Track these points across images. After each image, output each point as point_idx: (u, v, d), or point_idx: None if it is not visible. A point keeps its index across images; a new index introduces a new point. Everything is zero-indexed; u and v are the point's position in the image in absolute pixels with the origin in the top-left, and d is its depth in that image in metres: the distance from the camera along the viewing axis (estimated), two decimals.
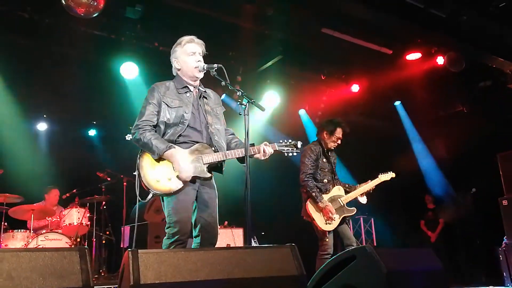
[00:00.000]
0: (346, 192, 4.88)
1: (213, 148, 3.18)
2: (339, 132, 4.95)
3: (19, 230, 5.96)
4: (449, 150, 8.69)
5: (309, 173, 4.77)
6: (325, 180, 4.85)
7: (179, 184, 3.04)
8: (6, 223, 6.03)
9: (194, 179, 3.10)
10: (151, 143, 3.05)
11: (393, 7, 6.01)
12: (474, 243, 8.12)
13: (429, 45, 7.17)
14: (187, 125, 3.18)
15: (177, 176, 3.05)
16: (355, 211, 4.80)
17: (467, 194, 7.99)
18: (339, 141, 4.99)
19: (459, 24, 6.29)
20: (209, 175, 3.14)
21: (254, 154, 3.22)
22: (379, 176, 4.99)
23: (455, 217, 8.44)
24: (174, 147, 3.08)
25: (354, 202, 4.91)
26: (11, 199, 6.11)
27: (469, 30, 6.49)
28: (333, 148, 5.00)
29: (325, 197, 4.74)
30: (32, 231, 5.99)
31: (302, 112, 9.21)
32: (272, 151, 3.28)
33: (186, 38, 3.35)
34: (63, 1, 5.24)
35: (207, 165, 3.12)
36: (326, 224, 4.65)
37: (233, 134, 3.50)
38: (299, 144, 3.36)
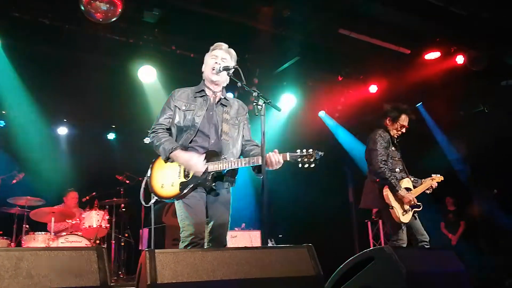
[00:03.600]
0: (413, 186, 4.68)
1: (222, 157, 3.13)
2: (403, 120, 4.66)
3: (40, 232, 6.05)
4: (470, 150, 8.52)
5: (383, 159, 4.48)
6: (397, 169, 4.59)
7: (180, 191, 3.06)
8: (27, 226, 6.15)
9: (196, 187, 3.08)
10: (161, 144, 3.13)
11: (411, 6, 5.94)
12: (497, 245, 7.93)
13: (449, 44, 7.06)
14: (198, 129, 3.19)
15: (187, 176, 3.08)
16: (421, 207, 4.56)
17: (489, 195, 7.82)
18: (403, 129, 4.70)
19: (479, 22, 6.18)
20: (211, 184, 3.08)
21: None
22: (432, 175, 4.78)
23: (477, 219, 8.27)
24: (180, 149, 3.11)
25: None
26: (32, 202, 6.25)
27: (490, 28, 6.37)
28: (396, 136, 4.72)
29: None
30: (52, 233, 6.08)
31: (322, 113, 9.15)
32: (281, 161, 3.01)
33: (216, 44, 3.41)
34: (82, 7, 5.34)
35: (212, 174, 3.08)
36: (403, 215, 4.40)
37: (256, 145, 3.35)
38: (319, 154, 2.96)
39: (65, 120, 8.18)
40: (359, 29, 6.53)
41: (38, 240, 5.97)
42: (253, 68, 7.38)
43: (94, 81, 6.90)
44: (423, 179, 4.79)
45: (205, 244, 3.09)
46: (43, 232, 6.06)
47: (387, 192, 4.43)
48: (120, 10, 5.47)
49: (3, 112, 7.47)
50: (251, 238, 6.78)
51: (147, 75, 6.91)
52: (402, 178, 4.59)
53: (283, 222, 8.29)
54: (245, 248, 2.44)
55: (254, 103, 3.03)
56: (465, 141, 8.46)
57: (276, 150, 3.05)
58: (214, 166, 3.08)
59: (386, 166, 4.47)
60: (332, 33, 6.56)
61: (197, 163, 3.04)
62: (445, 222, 8.56)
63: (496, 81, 7.85)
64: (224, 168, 3.09)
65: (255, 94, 3.06)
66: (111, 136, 8.68)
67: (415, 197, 4.53)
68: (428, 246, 4.41)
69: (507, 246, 7.66)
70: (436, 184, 4.75)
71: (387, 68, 7.75)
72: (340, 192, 9.83)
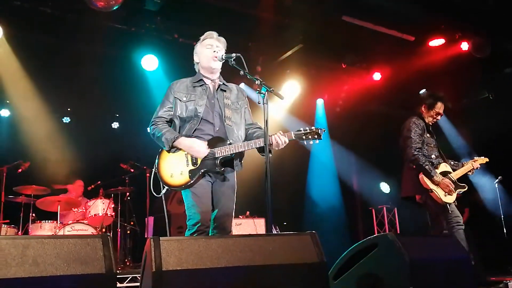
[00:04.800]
0: (452, 170, 4.69)
1: (228, 142, 3.16)
2: (439, 107, 4.69)
3: (46, 221, 6.11)
4: (475, 137, 8.49)
5: (418, 147, 4.52)
6: (433, 156, 4.62)
7: (190, 178, 3.09)
8: (34, 214, 6.21)
9: (205, 173, 3.13)
10: (162, 135, 3.17)
11: None
12: (502, 232, 7.94)
13: (453, 31, 6.99)
14: (201, 118, 3.22)
15: (195, 164, 3.09)
16: (466, 187, 4.61)
17: (493, 182, 7.79)
18: (438, 117, 4.75)
19: (484, 8, 6.11)
20: (220, 169, 3.12)
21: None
22: (475, 158, 4.82)
23: (481, 206, 8.26)
24: (182, 136, 3.15)
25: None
26: (38, 191, 6.29)
27: (495, 15, 6.30)
28: (431, 124, 4.77)
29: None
30: (59, 222, 6.14)
31: (320, 101, 9.13)
32: (287, 141, 3.13)
33: (206, 33, 3.42)
34: None
35: (220, 159, 3.12)
36: (446, 196, 4.43)
37: (259, 128, 3.41)
38: (322, 131, 3.14)
39: (69, 109, 8.19)
40: (363, 16, 6.47)
41: (45, 228, 6.03)
42: (256, 56, 7.36)
43: (97, 70, 6.87)
44: (465, 162, 4.82)
45: (210, 231, 3.13)
46: (49, 221, 6.12)
47: (422, 176, 4.48)
48: None
49: (7, 101, 7.49)
50: (256, 225, 6.81)
51: (150, 63, 6.91)
52: (439, 163, 4.62)
53: (287, 210, 8.31)
54: (249, 235, 2.46)
55: (257, 91, 3.06)
56: (469, 129, 8.42)
57: (281, 131, 3.15)
58: (221, 151, 3.12)
59: (421, 153, 4.52)
60: (335, 20, 6.50)
61: (200, 147, 3.09)
62: None
63: (500, 68, 7.79)
64: (232, 152, 3.13)
65: (258, 82, 3.08)
66: (115, 125, 8.70)
67: (457, 179, 4.58)
68: (463, 227, 4.43)
69: (509, 234, 7.67)
70: (479, 166, 4.78)
71: (391, 55, 7.68)
72: (345, 180, 9.84)
